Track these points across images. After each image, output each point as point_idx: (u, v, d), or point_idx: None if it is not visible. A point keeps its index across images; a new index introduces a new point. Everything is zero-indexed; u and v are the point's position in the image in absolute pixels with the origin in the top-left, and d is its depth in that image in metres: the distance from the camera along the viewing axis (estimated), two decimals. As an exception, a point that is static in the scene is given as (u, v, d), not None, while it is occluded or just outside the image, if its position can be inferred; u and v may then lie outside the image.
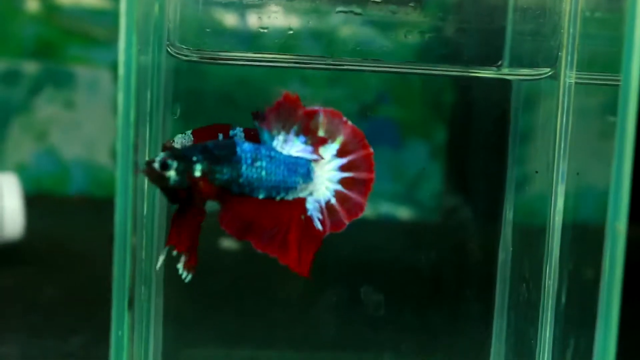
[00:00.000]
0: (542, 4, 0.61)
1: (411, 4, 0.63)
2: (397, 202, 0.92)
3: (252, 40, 0.63)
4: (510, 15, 0.64)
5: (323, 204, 0.51)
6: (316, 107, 0.51)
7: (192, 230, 0.50)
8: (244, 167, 0.50)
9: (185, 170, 0.49)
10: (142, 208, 0.54)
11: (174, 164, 0.49)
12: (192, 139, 0.54)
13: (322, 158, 0.51)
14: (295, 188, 0.51)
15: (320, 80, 0.68)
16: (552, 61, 0.59)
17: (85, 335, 0.81)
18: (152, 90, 0.56)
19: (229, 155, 0.50)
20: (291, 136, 0.51)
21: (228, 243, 0.76)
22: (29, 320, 0.84)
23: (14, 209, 1.02)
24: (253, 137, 0.53)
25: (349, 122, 0.51)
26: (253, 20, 0.62)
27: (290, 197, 0.51)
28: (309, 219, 0.51)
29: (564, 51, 0.58)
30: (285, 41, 0.62)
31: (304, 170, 0.51)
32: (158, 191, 0.55)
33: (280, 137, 0.51)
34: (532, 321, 0.61)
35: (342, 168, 0.51)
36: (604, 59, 0.55)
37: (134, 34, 0.50)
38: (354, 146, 0.51)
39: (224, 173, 0.50)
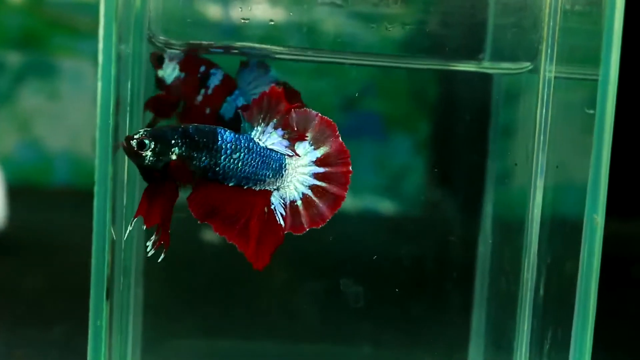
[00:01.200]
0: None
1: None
2: (380, 196, 0.93)
3: (233, 31, 0.63)
4: (491, 8, 0.64)
5: (287, 203, 0.51)
6: (314, 112, 0.51)
7: (164, 208, 0.50)
8: (222, 157, 0.50)
9: (161, 152, 0.49)
10: (121, 198, 0.54)
11: (151, 145, 0.49)
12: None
13: (297, 155, 0.51)
14: (264, 181, 0.51)
15: (303, 72, 0.68)
16: (533, 55, 0.59)
17: (68, 324, 0.80)
18: (133, 79, 0.56)
19: (210, 144, 0.50)
20: (269, 128, 0.51)
21: (210, 236, 0.76)
22: (12, 311, 0.84)
23: (-3, 200, 1.02)
24: (229, 84, 0.53)
25: (339, 138, 0.51)
26: (235, 11, 0.62)
27: (257, 188, 0.51)
28: (272, 213, 0.51)
29: (544, 45, 0.58)
30: (266, 32, 0.62)
31: (276, 164, 0.51)
32: (138, 181, 0.55)
33: (260, 128, 0.51)
34: (511, 313, 0.61)
35: (317, 176, 0.51)
36: (584, 53, 0.55)
37: (114, 23, 0.50)
38: (335, 161, 0.51)
39: (202, 160, 0.50)
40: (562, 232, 0.57)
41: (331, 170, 0.51)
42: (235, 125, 0.52)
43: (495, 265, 0.66)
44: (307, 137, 0.51)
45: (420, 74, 0.75)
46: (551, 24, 0.58)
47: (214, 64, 0.58)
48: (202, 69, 0.58)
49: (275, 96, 0.50)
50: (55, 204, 1.22)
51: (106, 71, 0.50)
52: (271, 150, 0.51)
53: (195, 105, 0.58)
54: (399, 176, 0.99)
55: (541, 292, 0.59)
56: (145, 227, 0.50)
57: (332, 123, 0.51)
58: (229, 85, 0.58)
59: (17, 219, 1.04)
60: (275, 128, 0.51)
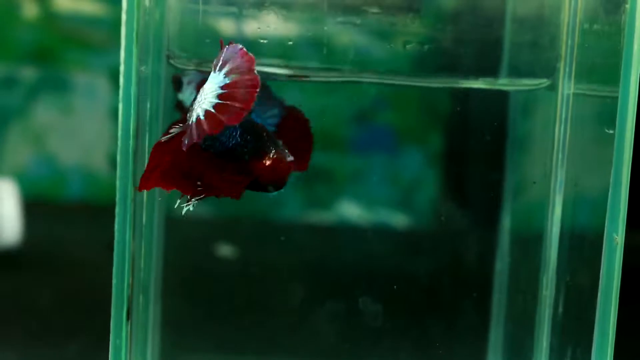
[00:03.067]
0: (540, 15, 0.62)
1: (409, 15, 0.63)
2: (393, 209, 0.93)
3: (250, 50, 0.63)
4: (508, 26, 0.64)
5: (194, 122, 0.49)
6: (239, 46, 0.49)
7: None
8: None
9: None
10: (141, 217, 0.55)
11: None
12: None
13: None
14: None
15: (318, 86, 0.68)
16: (550, 72, 0.59)
17: (82, 342, 0.81)
18: (152, 99, 0.56)
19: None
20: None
21: (225, 251, 0.76)
22: (26, 327, 0.84)
23: (11, 215, 1.02)
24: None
25: (243, 50, 0.49)
26: (252, 30, 0.62)
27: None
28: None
29: (562, 62, 0.58)
30: (284, 51, 0.62)
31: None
32: (157, 201, 0.56)
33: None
34: (529, 332, 0.61)
35: (220, 96, 0.49)
36: (602, 70, 0.55)
37: (135, 45, 0.50)
38: (241, 78, 0.48)
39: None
40: (581, 249, 0.57)
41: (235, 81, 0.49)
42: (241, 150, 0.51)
43: (513, 282, 0.66)
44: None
45: (436, 89, 0.75)
46: (569, 42, 0.58)
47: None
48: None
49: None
50: (69, 219, 1.23)
51: (127, 93, 0.50)
52: None
53: None
54: (411, 189, 0.99)
55: (560, 309, 0.59)
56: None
57: (251, 57, 0.48)
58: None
59: (30, 234, 1.05)
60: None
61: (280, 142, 0.51)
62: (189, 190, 0.49)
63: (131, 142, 0.50)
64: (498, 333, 0.67)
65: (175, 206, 0.49)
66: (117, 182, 0.50)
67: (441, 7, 0.67)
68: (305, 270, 0.73)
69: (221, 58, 0.50)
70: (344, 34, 0.63)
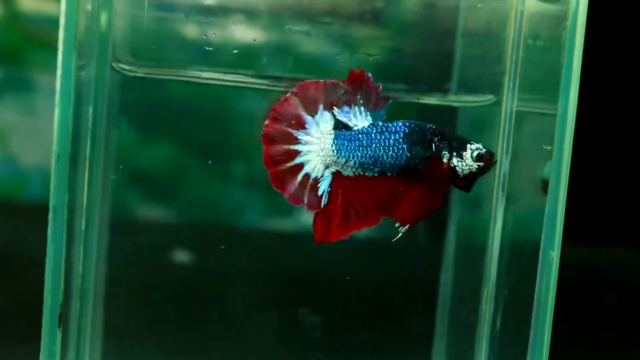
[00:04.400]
0: (489, 30, 0.62)
1: (367, 25, 0.63)
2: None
3: (202, 56, 0.63)
4: (458, 40, 0.64)
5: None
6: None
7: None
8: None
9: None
10: (80, 224, 0.54)
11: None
12: None
13: None
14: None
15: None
16: (496, 88, 0.59)
17: (35, 344, 0.80)
18: (96, 104, 0.56)
19: None
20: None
21: (176, 255, 0.76)
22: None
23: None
24: None
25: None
26: (203, 36, 0.62)
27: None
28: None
29: (507, 78, 0.58)
30: (237, 57, 0.62)
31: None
32: (98, 207, 0.56)
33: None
34: (470, 344, 0.61)
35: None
36: (544, 86, 0.55)
37: (73, 49, 0.50)
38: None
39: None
40: (519, 264, 0.57)
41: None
42: None
43: (456, 294, 0.66)
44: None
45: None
46: (514, 57, 0.58)
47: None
48: None
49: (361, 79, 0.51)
50: (28, 220, 1.22)
51: (64, 97, 0.50)
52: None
53: None
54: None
55: (498, 324, 0.59)
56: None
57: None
58: None
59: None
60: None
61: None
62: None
63: (68, 146, 0.50)
64: (441, 345, 0.67)
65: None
66: (52, 187, 0.50)
67: (397, 19, 0.67)
68: (254, 276, 0.73)
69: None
70: (296, 43, 0.63)
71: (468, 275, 0.64)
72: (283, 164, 0.51)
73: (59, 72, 0.50)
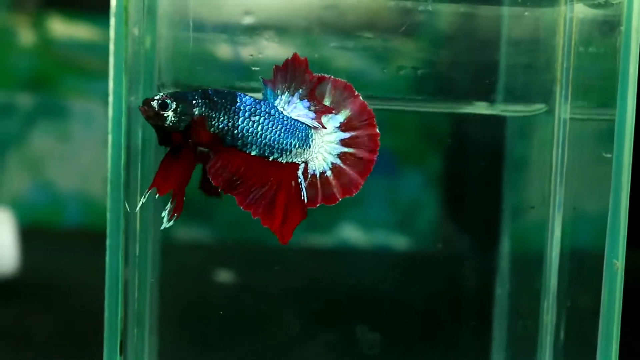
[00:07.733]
0: (536, 37, 0.61)
1: (404, 38, 0.63)
2: (393, 232, 0.92)
3: (245, 76, 0.63)
4: (503, 49, 0.64)
5: (317, 175, 0.50)
6: (326, 76, 0.50)
7: (181, 175, 0.49)
8: (241, 119, 0.49)
9: (183, 112, 0.48)
10: (134, 249, 0.54)
11: (173, 105, 0.48)
12: None
13: (324, 127, 0.50)
14: (290, 151, 0.49)
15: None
16: (547, 96, 0.59)
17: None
18: (145, 128, 0.56)
19: (228, 104, 0.49)
20: (295, 99, 0.50)
21: (224, 276, 0.75)
22: (23, 356, 0.83)
23: (9, 244, 1.01)
24: None
25: (360, 98, 0.50)
26: (245, 56, 0.62)
27: (283, 159, 0.50)
28: (298, 187, 0.49)
29: (558, 86, 0.58)
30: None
31: (302, 134, 0.50)
32: (152, 232, 0.55)
33: (284, 97, 0.50)
34: (531, 357, 0.60)
35: (344, 142, 0.50)
36: (598, 93, 0.55)
37: (124, 74, 0.49)
38: (360, 123, 0.50)
39: (221, 121, 0.49)
40: (581, 272, 0.56)
41: (357, 133, 0.50)
42: None
43: (513, 307, 0.65)
44: (334, 111, 0.50)
45: (434, 112, 0.74)
46: (564, 64, 0.57)
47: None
48: None
49: (299, 64, 0.49)
50: (67, 246, 1.22)
51: (116, 123, 0.49)
52: (295, 119, 0.50)
53: None
54: (411, 213, 0.98)
55: (562, 335, 0.58)
56: (157, 195, 0.48)
57: (348, 84, 0.49)
58: None
59: (29, 262, 1.04)
60: (301, 99, 0.50)
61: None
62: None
63: (122, 172, 0.50)
64: (500, 359, 0.66)
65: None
66: (108, 214, 0.50)
67: (437, 31, 0.66)
68: (304, 294, 0.72)
69: (326, 95, 0.50)
70: (339, 58, 0.63)
71: (525, 286, 0.63)
72: None
73: (110, 98, 0.50)
